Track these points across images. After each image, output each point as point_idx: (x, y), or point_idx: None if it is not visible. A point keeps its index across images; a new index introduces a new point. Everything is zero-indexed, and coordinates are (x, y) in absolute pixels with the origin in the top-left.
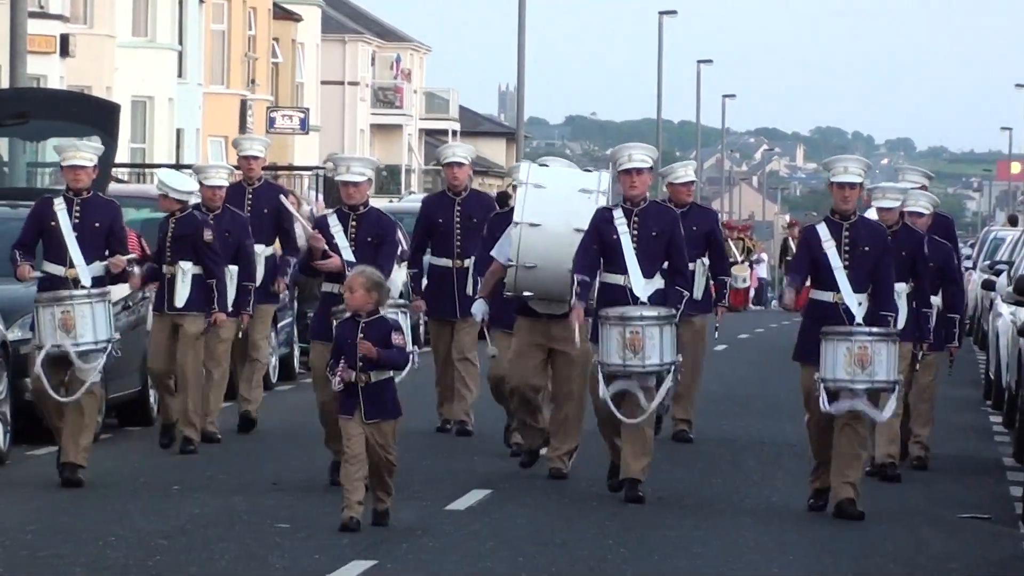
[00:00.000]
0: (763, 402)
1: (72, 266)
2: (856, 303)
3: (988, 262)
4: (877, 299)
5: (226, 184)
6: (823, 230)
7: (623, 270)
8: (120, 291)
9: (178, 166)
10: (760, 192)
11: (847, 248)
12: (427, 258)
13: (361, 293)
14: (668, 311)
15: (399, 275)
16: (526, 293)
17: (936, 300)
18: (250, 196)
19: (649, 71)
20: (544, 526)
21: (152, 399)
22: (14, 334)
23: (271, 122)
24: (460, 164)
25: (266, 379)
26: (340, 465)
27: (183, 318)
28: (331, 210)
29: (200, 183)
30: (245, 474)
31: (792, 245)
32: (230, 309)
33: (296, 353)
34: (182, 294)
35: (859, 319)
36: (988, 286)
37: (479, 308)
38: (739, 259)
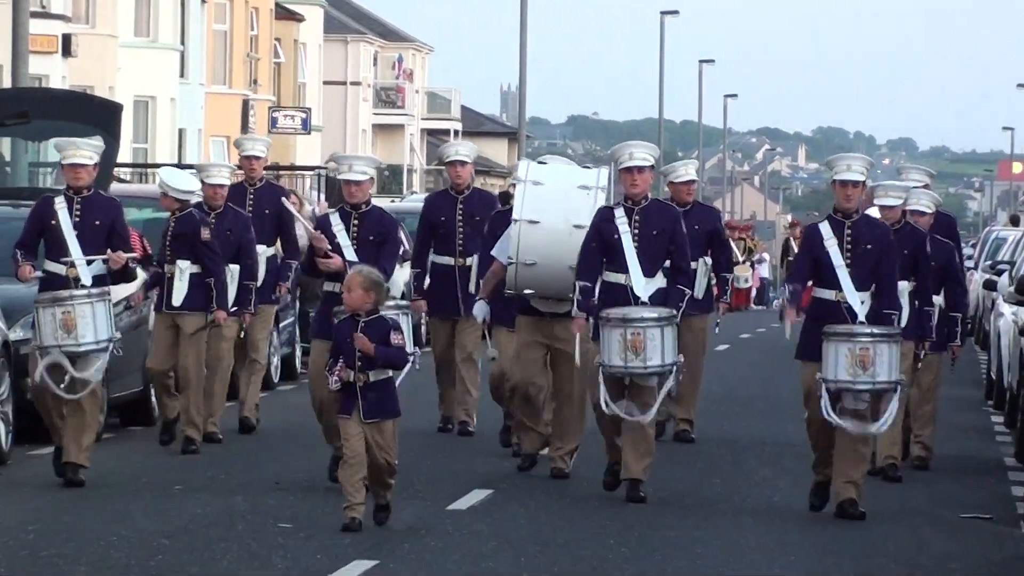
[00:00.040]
0: (765, 402)
1: (73, 265)
2: (858, 301)
3: (990, 262)
4: (880, 297)
5: (228, 183)
6: (825, 228)
7: (624, 269)
8: (122, 291)
9: (181, 166)
10: (762, 192)
11: (849, 246)
12: (429, 256)
13: (359, 293)
14: (669, 312)
15: (401, 275)
16: (527, 291)
17: (938, 299)
18: (251, 196)
19: (651, 71)
20: (546, 526)
21: (154, 398)
22: (16, 334)
23: (273, 122)
24: (463, 162)
25: (268, 379)
26: (340, 461)
27: (181, 317)
28: (333, 209)
29: (202, 182)
30: (247, 474)
31: (794, 245)
32: (231, 308)
33: (298, 353)
34: (179, 293)
35: (861, 317)
36: (990, 286)
37: (480, 310)
38: (740, 259)
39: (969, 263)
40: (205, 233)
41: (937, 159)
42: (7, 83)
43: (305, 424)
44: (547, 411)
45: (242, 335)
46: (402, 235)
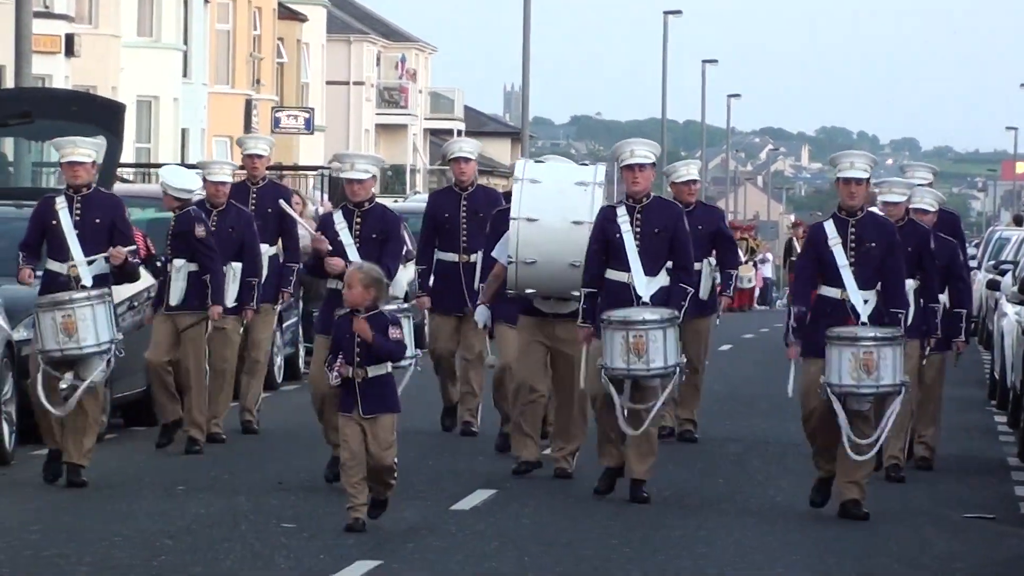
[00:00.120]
0: (768, 402)
1: (74, 264)
2: (862, 301)
3: (993, 262)
4: (887, 296)
5: (230, 180)
6: (830, 228)
7: (626, 268)
8: (125, 290)
9: (184, 166)
10: (765, 192)
11: (853, 245)
12: (434, 254)
13: (359, 289)
14: (671, 313)
15: (404, 274)
16: (528, 291)
17: (942, 298)
18: (254, 195)
19: (654, 71)
20: (549, 526)
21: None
22: (19, 334)
23: (276, 122)
24: (467, 159)
25: (271, 379)
26: (338, 461)
27: (180, 317)
28: (336, 208)
29: (204, 179)
30: (250, 474)
31: (796, 245)
32: (229, 305)
33: (302, 353)
34: (177, 293)
35: (864, 318)
36: (993, 286)
37: (481, 315)
38: (743, 259)
39: (972, 263)
40: (199, 230)
41: (940, 159)
42: (10, 83)
43: (308, 424)
44: (548, 410)
45: (241, 330)
46: (405, 234)
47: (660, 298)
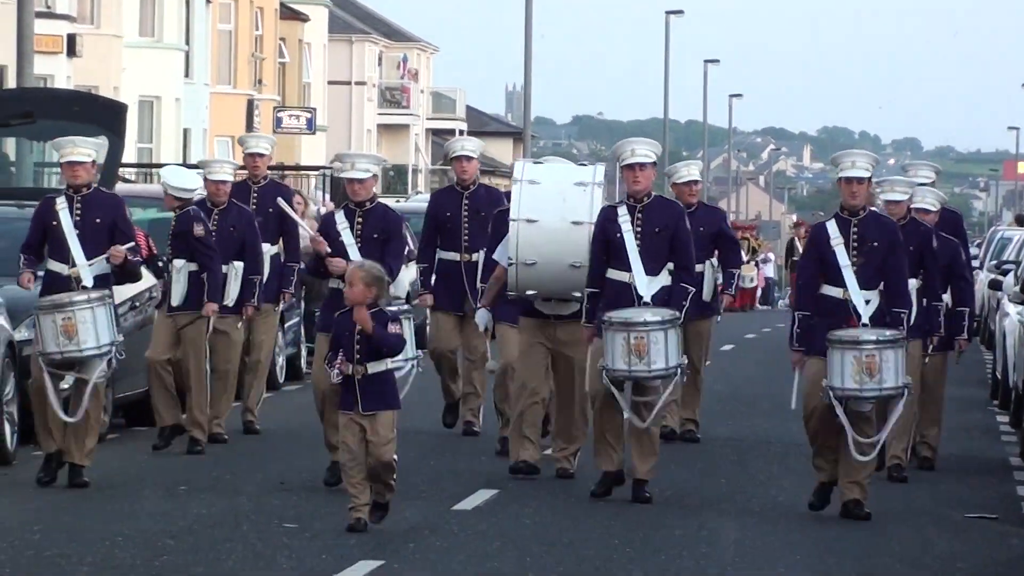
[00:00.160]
0: (769, 402)
1: (74, 265)
2: (863, 301)
3: (995, 262)
4: (889, 295)
5: (230, 179)
6: (832, 228)
7: (627, 267)
8: (127, 291)
9: (185, 166)
10: (767, 192)
11: (855, 244)
12: (436, 253)
13: (360, 288)
14: (672, 314)
15: (406, 274)
16: (529, 293)
17: (945, 298)
18: (255, 194)
19: (656, 71)
20: (551, 526)
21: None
22: (21, 334)
23: (278, 122)
24: (469, 157)
25: (273, 379)
26: (337, 466)
27: (181, 317)
28: (338, 208)
29: (204, 178)
30: (251, 474)
31: (798, 245)
32: (227, 303)
33: (303, 353)
34: (178, 292)
35: (865, 319)
36: (995, 286)
37: (482, 318)
38: (745, 259)
39: (974, 263)
40: (198, 229)
41: (942, 159)
42: (12, 83)
43: (310, 424)
44: (549, 410)
45: (243, 330)
46: (407, 234)
47: (661, 298)
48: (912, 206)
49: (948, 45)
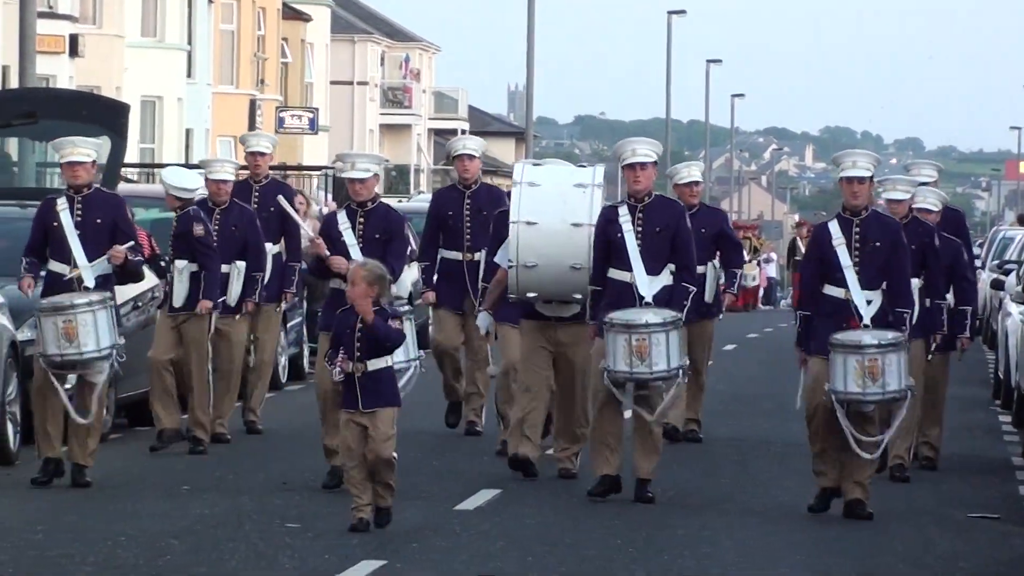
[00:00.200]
0: (772, 402)
1: (76, 266)
2: (865, 302)
3: (997, 262)
4: (892, 295)
5: (231, 178)
6: (834, 228)
7: (628, 267)
8: (129, 290)
9: (187, 166)
10: (769, 192)
11: (858, 244)
12: (438, 252)
13: (363, 287)
14: (674, 316)
15: (409, 274)
16: (530, 295)
17: (948, 297)
18: (257, 194)
19: (658, 71)
20: (553, 526)
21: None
22: (23, 334)
23: (280, 122)
24: (471, 156)
25: (276, 379)
26: (336, 470)
27: (182, 318)
28: (340, 208)
29: (206, 178)
30: (254, 474)
31: (800, 245)
32: (230, 303)
33: (306, 353)
34: (179, 293)
35: (867, 320)
36: (997, 286)
37: (484, 322)
38: (747, 258)
39: (976, 263)
40: (198, 229)
41: (944, 159)
42: (14, 83)
43: (312, 424)
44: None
45: (247, 331)
46: (409, 234)
47: (663, 298)
48: (914, 206)
49: (950, 45)
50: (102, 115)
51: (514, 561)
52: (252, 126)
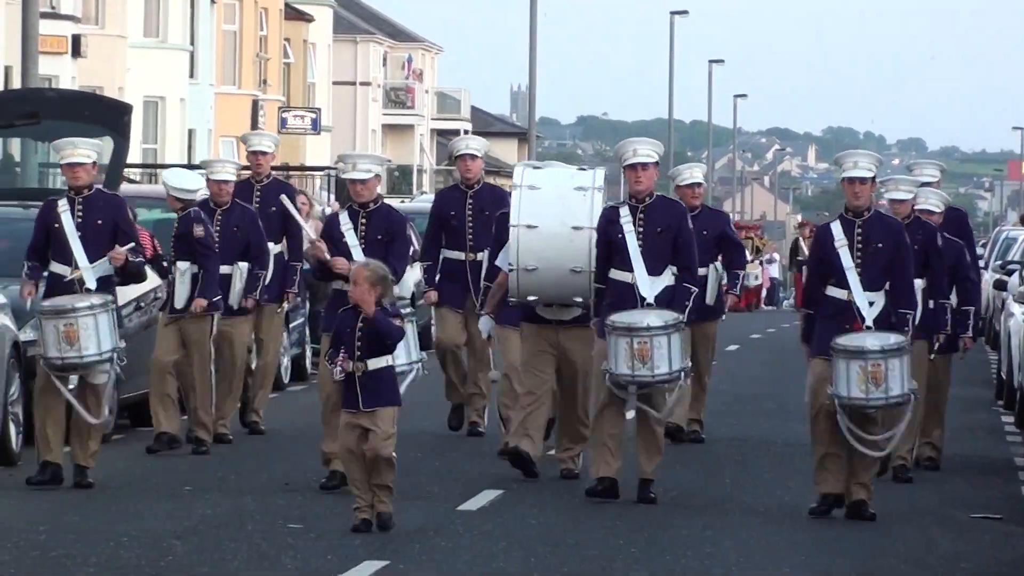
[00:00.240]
0: (774, 402)
1: (77, 267)
2: (867, 303)
3: (1000, 262)
4: (895, 296)
5: (233, 178)
6: (836, 229)
7: (629, 268)
8: (132, 291)
9: (189, 166)
10: (772, 192)
11: (860, 246)
12: (441, 252)
13: (365, 287)
14: (676, 318)
15: (411, 275)
16: (530, 298)
17: (952, 297)
18: (258, 193)
19: (660, 71)
20: (556, 526)
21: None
22: (26, 335)
23: (283, 122)
24: (473, 156)
25: (278, 380)
26: (335, 472)
27: (184, 319)
28: (342, 208)
29: (207, 178)
30: (256, 475)
31: (803, 245)
32: (229, 303)
33: (308, 354)
34: (181, 294)
35: (869, 321)
36: (1000, 286)
37: (485, 325)
38: (749, 258)
39: (979, 263)
40: (198, 230)
41: (947, 159)
42: (17, 83)
43: (314, 425)
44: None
45: (250, 332)
46: (411, 234)
47: (664, 298)
48: (916, 207)
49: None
50: (104, 115)
51: (517, 561)
52: (254, 126)
